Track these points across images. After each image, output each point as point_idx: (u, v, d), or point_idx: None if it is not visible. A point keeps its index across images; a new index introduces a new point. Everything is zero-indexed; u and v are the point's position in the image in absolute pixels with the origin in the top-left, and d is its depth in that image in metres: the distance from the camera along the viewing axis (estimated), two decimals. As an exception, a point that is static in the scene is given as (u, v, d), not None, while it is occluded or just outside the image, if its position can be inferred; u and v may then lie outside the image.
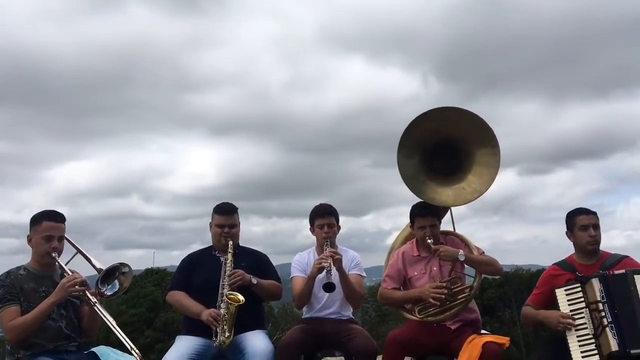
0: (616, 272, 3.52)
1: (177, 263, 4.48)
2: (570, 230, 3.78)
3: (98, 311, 3.29)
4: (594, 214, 3.74)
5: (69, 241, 3.55)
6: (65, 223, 3.48)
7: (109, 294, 3.39)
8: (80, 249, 3.57)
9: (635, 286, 3.39)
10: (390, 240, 4.72)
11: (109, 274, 3.42)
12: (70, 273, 3.38)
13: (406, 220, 4.23)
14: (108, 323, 3.21)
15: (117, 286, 3.43)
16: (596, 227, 3.71)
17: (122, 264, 3.44)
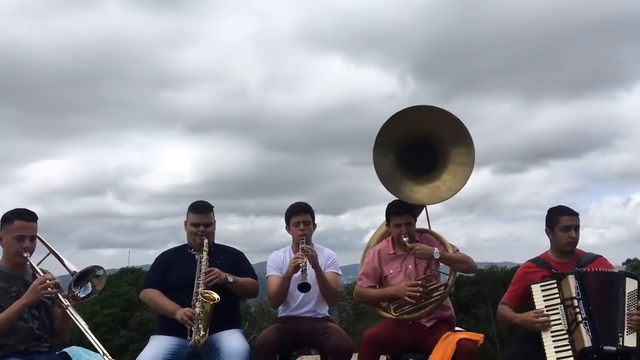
0: (609, 270, 3.59)
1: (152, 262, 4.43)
2: (551, 228, 3.81)
3: (70, 314, 3.23)
4: (577, 215, 3.77)
5: (41, 241, 3.48)
6: (38, 222, 3.41)
7: (82, 296, 3.33)
8: (53, 249, 3.49)
9: (624, 287, 3.44)
10: (366, 239, 4.73)
11: (83, 276, 3.36)
12: (42, 273, 3.31)
13: (382, 218, 4.26)
14: (80, 327, 3.15)
15: (90, 289, 3.37)
16: (577, 228, 3.75)
17: (97, 267, 3.37)
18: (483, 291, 34.04)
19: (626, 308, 3.38)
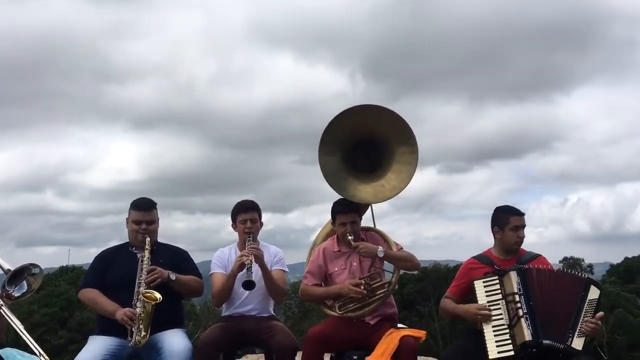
0: (577, 273, 3.77)
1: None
2: (501, 228, 3.89)
3: (4, 315, 3.07)
4: (524, 215, 3.91)
5: None
6: None
7: (16, 295, 3.17)
8: None
9: (587, 293, 3.53)
10: (314, 237, 4.74)
11: (17, 275, 3.21)
12: None
13: (330, 216, 4.27)
14: (15, 327, 3.01)
15: (25, 287, 3.22)
16: (524, 228, 3.89)
17: (32, 265, 3.23)
18: (427, 288, 34.72)
19: (583, 313, 3.47)
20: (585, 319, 3.45)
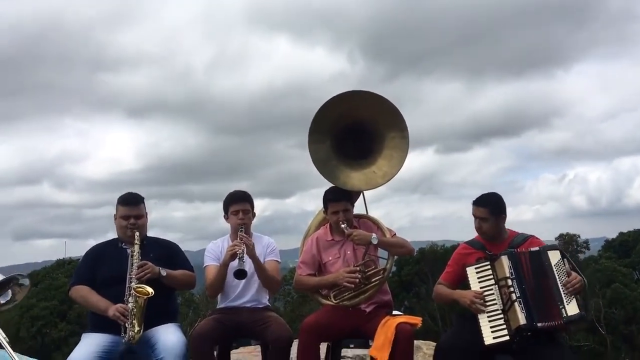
0: (531, 249, 3.64)
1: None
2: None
3: None
4: (481, 205, 3.81)
5: None
6: None
7: (2, 302, 3.08)
8: None
9: (549, 261, 3.53)
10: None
11: (3, 284, 3.11)
12: None
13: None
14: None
15: (10, 296, 3.13)
16: (482, 219, 3.80)
17: (20, 275, 3.15)
18: (424, 269, 34.90)
19: (558, 279, 3.47)
20: (562, 282, 3.45)
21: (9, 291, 3.03)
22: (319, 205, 4.23)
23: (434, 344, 5.63)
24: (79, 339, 3.72)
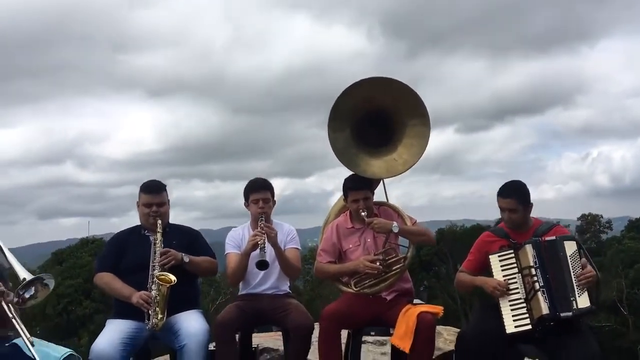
0: (547, 238, 3.59)
1: (115, 231, 4.31)
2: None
3: (15, 324, 2.98)
4: (507, 197, 3.71)
5: None
6: None
7: (27, 296, 3.09)
8: (5, 252, 3.24)
9: (564, 252, 3.48)
10: (333, 201, 4.69)
11: (30, 282, 3.14)
12: None
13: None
14: (23, 337, 2.91)
15: (32, 292, 3.14)
16: (510, 211, 3.70)
17: (47, 275, 3.16)
18: (443, 250, 34.80)
19: (572, 270, 3.44)
20: (576, 274, 3.41)
21: (33, 288, 3.06)
22: (338, 185, 4.22)
23: (455, 329, 5.62)
24: (103, 317, 3.77)
